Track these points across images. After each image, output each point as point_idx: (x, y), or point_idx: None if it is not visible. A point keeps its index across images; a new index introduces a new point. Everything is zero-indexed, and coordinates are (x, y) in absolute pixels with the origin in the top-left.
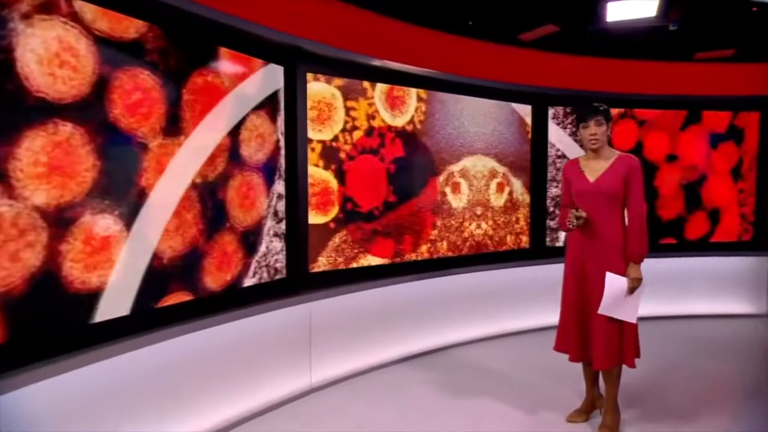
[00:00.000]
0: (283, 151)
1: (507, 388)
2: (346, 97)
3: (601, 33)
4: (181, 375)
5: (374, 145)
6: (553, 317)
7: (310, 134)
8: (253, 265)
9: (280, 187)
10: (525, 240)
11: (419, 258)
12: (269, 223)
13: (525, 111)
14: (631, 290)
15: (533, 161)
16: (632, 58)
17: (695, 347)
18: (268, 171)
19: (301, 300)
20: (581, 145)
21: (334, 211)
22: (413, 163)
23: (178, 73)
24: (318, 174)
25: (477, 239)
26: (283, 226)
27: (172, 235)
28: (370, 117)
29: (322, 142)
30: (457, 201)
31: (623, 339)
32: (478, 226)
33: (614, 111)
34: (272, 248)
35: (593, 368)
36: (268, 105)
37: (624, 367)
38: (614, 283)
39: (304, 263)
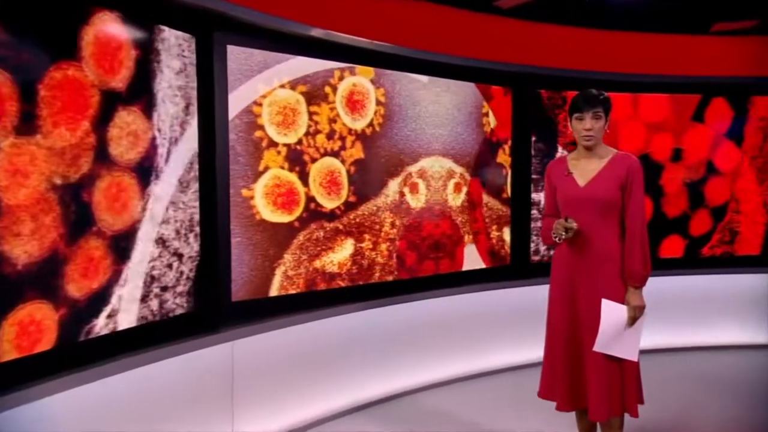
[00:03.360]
0: (161, 150)
1: None
2: (309, 103)
3: None
4: None
5: (336, 147)
6: (540, 352)
7: (277, 138)
8: (125, 272)
9: (157, 188)
10: (483, 239)
11: (380, 257)
12: (145, 228)
13: (476, 100)
14: (632, 320)
15: (514, 158)
16: (636, 31)
17: (709, 387)
18: (143, 171)
19: (221, 338)
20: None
21: (299, 210)
22: (373, 164)
23: (33, 67)
24: (284, 176)
25: (435, 237)
26: (163, 230)
27: (27, 239)
28: (332, 121)
29: (288, 145)
30: (416, 201)
31: (624, 382)
32: (437, 225)
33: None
34: (148, 254)
35: (590, 419)
36: (143, 99)
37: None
38: (612, 313)
39: (224, 291)
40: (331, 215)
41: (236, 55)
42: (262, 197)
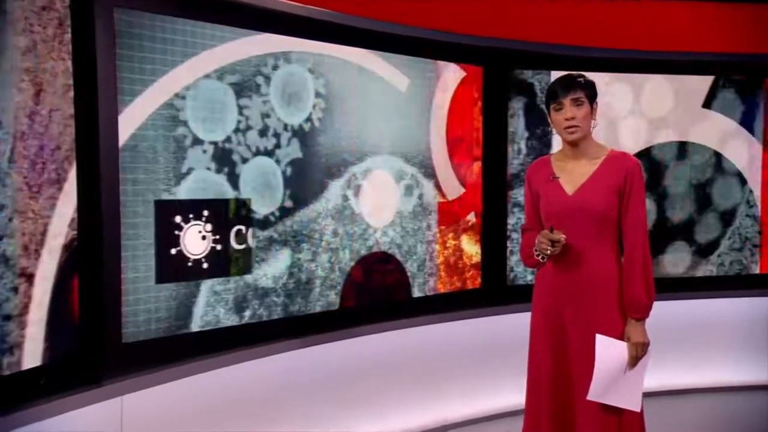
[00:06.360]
0: (2, 148)
1: None
2: (239, 95)
3: None
4: None
5: (269, 145)
6: (520, 398)
7: (202, 135)
8: None
9: None
10: (438, 249)
11: (321, 269)
12: None
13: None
14: (633, 360)
15: (484, 153)
16: None
17: None
18: None
19: (106, 392)
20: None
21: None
22: (312, 164)
23: None
24: (211, 178)
25: (383, 247)
26: (5, 245)
27: None
28: (265, 115)
29: (215, 143)
30: (361, 206)
31: None
32: (384, 233)
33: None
34: None
35: None
36: None
37: None
38: (609, 351)
39: (113, 328)
40: (265, 222)
41: (154, 43)
42: None
